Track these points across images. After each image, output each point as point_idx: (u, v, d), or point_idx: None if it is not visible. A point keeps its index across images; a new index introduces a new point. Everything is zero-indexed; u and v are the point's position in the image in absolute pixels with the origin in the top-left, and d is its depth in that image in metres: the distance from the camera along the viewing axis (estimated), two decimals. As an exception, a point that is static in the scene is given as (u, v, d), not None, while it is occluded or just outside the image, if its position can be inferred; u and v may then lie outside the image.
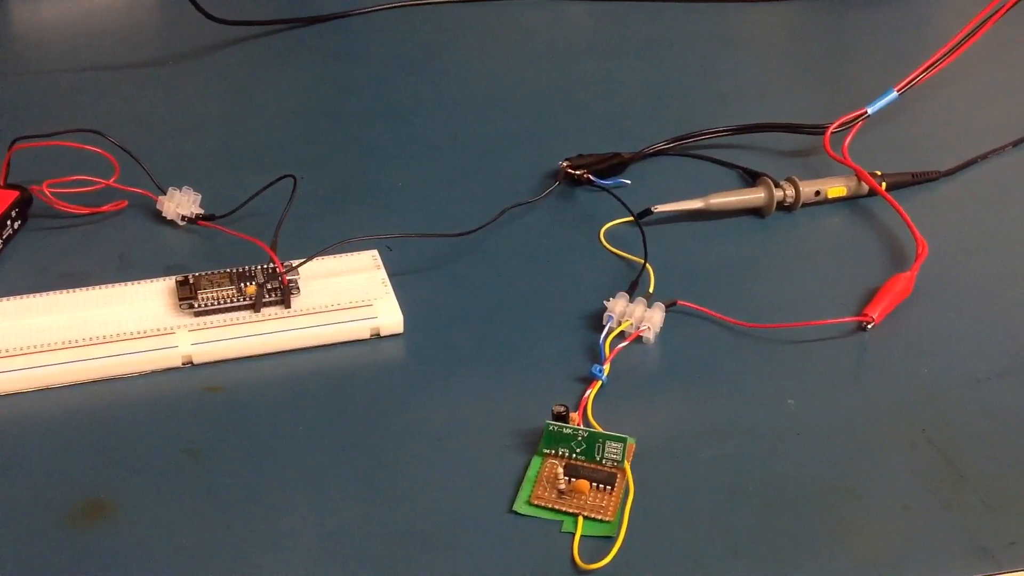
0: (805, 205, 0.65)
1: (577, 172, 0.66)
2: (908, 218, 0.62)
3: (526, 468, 0.48)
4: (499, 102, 0.76)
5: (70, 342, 0.52)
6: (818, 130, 0.70)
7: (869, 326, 0.56)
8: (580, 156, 0.68)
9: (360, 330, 0.55)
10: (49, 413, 0.50)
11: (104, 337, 0.52)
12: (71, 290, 0.55)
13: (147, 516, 0.46)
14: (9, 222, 0.60)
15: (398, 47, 0.83)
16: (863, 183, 0.66)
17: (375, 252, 0.59)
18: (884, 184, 0.66)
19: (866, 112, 0.68)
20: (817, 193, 0.65)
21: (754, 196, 0.64)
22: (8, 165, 0.61)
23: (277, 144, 0.71)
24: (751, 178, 0.67)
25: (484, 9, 0.88)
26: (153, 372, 0.52)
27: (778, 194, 0.64)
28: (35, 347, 0.52)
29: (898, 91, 0.69)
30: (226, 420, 0.50)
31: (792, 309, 0.58)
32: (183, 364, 0.53)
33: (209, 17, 0.79)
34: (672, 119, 0.74)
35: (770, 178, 0.65)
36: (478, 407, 0.52)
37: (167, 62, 0.79)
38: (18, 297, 0.55)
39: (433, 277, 0.60)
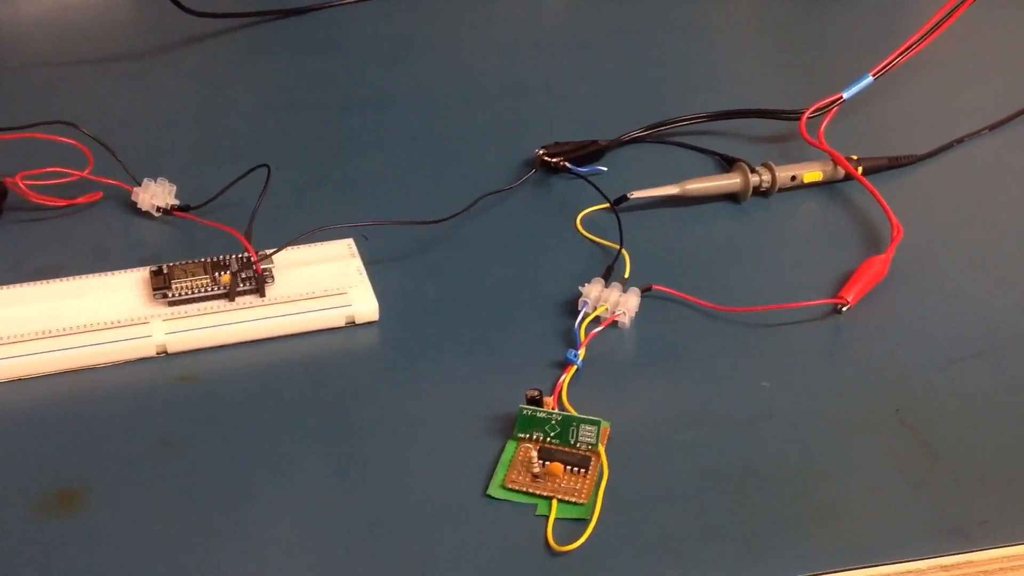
0: (781, 190, 0.65)
1: (553, 160, 0.66)
2: (884, 202, 0.62)
3: (500, 453, 0.48)
4: (475, 92, 0.76)
5: (44, 332, 0.52)
6: (794, 115, 0.70)
7: (844, 308, 0.56)
8: (556, 144, 0.68)
9: (335, 318, 0.55)
10: (22, 403, 0.50)
11: (78, 327, 0.52)
12: (45, 281, 0.55)
13: (119, 505, 0.46)
14: (-18, 215, 0.59)
15: (374, 39, 0.83)
16: (839, 167, 0.66)
17: (350, 241, 0.59)
18: (860, 168, 0.66)
19: (841, 97, 0.68)
20: (793, 178, 0.65)
21: (730, 181, 0.65)
22: (-19, 158, 0.61)
23: (253, 136, 0.70)
24: (727, 164, 0.67)
25: (459, 0, 0.88)
26: (127, 362, 0.52)
27: (754, 179, 0.64)
28: (8, 337, 0.52)
29: (873, 76, 0.69)
30: (200, 409, 0.50)
31: (768, 293, 0.58)
32: (157, 354, 0.53)
33: (184, 10, 0.78)
34: (648, 107, 0.74)
35: (746, 163, 0.65)
36: (453, 394, 0.52)
37: (142, 55, 0.78)
38: (-9, 289, 0.55)
39: (408, 265, 0.59)
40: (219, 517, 0.46)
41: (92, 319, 0.53)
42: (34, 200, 0.61)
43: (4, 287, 0.55)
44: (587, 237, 0.62)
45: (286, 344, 0.54)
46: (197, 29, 0.81)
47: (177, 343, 0.53)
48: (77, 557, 0.44)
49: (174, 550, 0.44)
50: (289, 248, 0.57)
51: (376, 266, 0.58)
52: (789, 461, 0.49)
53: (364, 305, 0.55)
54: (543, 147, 0.67)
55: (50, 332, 0.52)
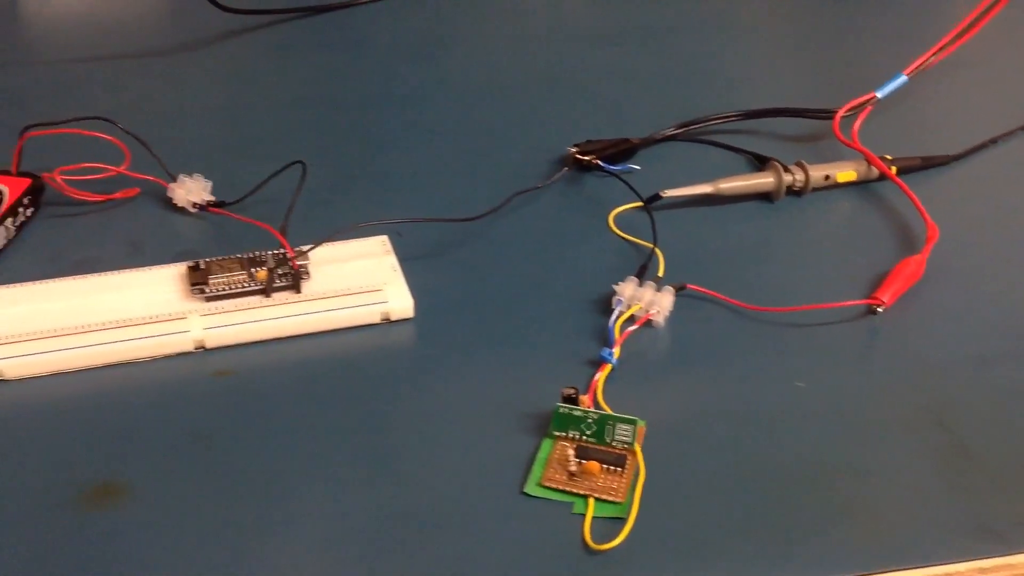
0: (814, 189, 0.65)
1: (586, 158, 0.66)
2: (918, 202, 0.62)
3: (536, 450, 0.49)
4: (505, 89, 0.76)
5: (83, 327, 0.52)
6: (826, 115, 0.70)
7: (880, 309, 0.56)
8: (588, 142, 0.68)
9: (370, 315, 0.55)
10: (62, 397, 0.50)
11: (117, 322, 0.53)
12: (83, 276, 0.56)
13: (158, 499, 0.46)
14: (22, 209, 0.60)
15: (403, 36, 0.83)
16: (873, 167, 0.66)
17: (385, 237, 0.59)
18: (894, 168, 0.66)
19: (875, 96, 0.68)
20: (827, 177, 0.65)
21: (763, 180, 0.64)
22: (20, 153, 0.61)
23: (285, 132, 0.71)
24: (760, 163, 0.67)
25: (488, -3, 0.89)
26: (165, 357, 0.53)
27: (787, 178, 0.64)
28: (48, 332, 0.52)
29: (907, 75, 0.69)
30: (237, 404, 0.51)
31: (802, 293, 0.58)
32: (195, 349, 0.53)
33: (218, 7, 0.79)
34: (679, 105, 0.74)
35: (779, 162, 0.65)
36: (487, 390, 0.52)
37: (175, 51, 0.79)
38: (31, 283, 0.55)
39: (442, 262, 0.60)
40: (256, 511, 0.46)
41: (130, 314, 0.53)
42: (71, 195, 0.61)
43: (43, 281, 0.55)
44: (619, 235, 0.62)
45: (321, 340, 0.54)
46: (229, 25, 0.81)
47: (215, 338, 0.53)
48: (119, 549, 0.44)
49: (212, 543, 0.44)
50: (324, 244, 0.57)
51: (410, 263, 0.58)
52: (824, 461, 0.49)
53: (400, 302, 0.55)
54: (575, 145, 0.67)
55: (89, 327, 0.52)
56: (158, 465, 0.47)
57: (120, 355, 0.52)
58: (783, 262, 0.61)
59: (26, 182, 0.61)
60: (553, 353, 0.54)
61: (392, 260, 0.58)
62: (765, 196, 0.65)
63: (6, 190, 0.60)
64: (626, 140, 0.69)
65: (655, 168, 0.67)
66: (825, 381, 0.53)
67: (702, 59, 0.81)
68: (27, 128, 0.62)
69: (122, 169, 0.61)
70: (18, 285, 0.55)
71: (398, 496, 0.47)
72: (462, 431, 0.50)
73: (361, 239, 0.59)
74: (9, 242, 0.59)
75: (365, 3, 0.85)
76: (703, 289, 0.57)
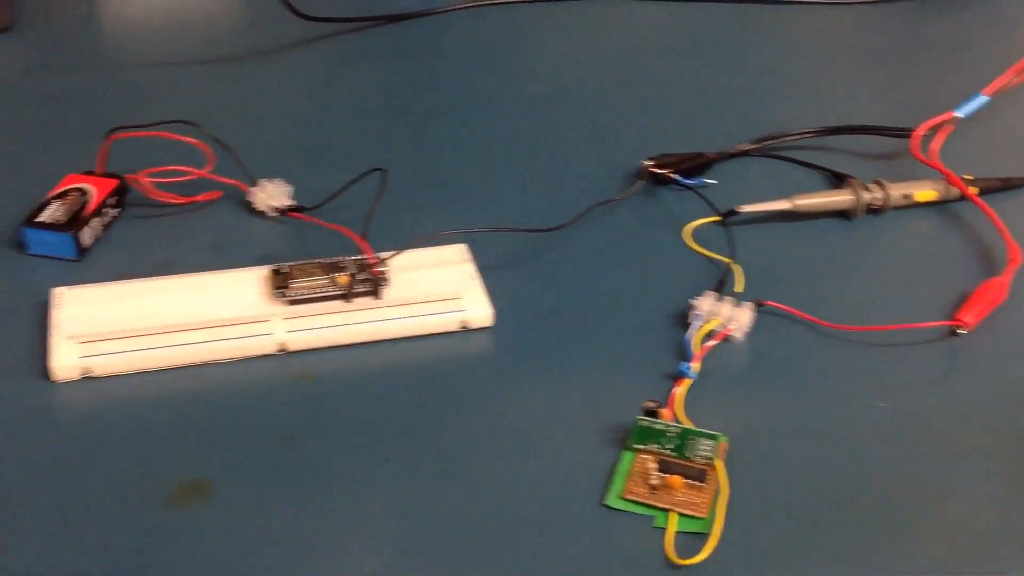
0: (893, 208, 0.65)
1: (661, 171, 0.67)
2: (1000, 223, 0.62)
3: (615, 463, 0.49)
4: (577, 100, 0.77)
5: (169, 327, 0.53)
6: (904, 133, 0.69)
7: (963, 331, 0.55)
8: (663, 155, 0.68)
9: (449, 322, 0.55)
10: (148, 396, 0.51)
11: (202, 323, 0.53)
12: (167, 276, 0.56)
13: (242, 499, 0.47)
14: (108, 209, 0.61)
15: (476, 45, 0.83)
16: (953, 187, 0.65)
17: (463, 246, 0.60)
18: (974, 189, 0.65)
19: (954, 116, 0.68)
20: (905, 196, 0.65)
21: (842, 198, 0.64)
22: (106, 154, 0.62)
23: (362, 138, 0.71)
24: (837, 180, 0.67)
25: (558, 9, 0.89)
26: (248, 358, 0.53)
27: (866, 196, 0.64)
28: (135, 331, 0.53)
29: (988, 95, 0.68)
30: (319, 408, 0.51)
31: (881, 312, 0.57)
32: (277, 351, 0.54)
33: (297, 14, 0.80)
34: (754, 119, 0.74)
35: (857, 180, 0.65)
36: (565, 401, 0.52)
37: (253, 56, 0.80)
38: (117, 282, 0.56)
39: (519, 272, 0.60)
40: (339, 513, 0.46)
41: (214, 315, 0.54)
42: (154, 197, 0.62)
43: (127, 281, 0.56)
44: (696, 249, 0.62)
45: (400, 346, 0.55)
46: (304, 33, 0.82)
47: (297, 341, 0.54)
48: (204, 548, 0.44)
49: (295, 544, 0.45)
50: (404, 252, 0.57)
51: (488, 271, 0.58)
52: (905, 480, 0.48)
53: (478, 310, 0.56)
54: (650, 158, 0.67)
55: (175, 327, 0.53)
56: (244, 465, 0.48)
57: (204, 356, 0.53)
58: (862, 281, 0.61)
59: (112, 183, 0.62)
60: (631, 365, 0.54)
61: (471, 268, 0.58)
62: (842, 214, 0.65)
63: (93, 190, 0.61)
64: (701, 154, 0.69)
65: (730, 183, 0.67)
66: (906, 402, 0.52)
67: (778, 73, 0.81)
68: (113, 130, 0.63)
69: (204, 172, 0.62)
70: (105, 284, 0.56)
71: (476, 504, 0.47)
72: (540, 441, 0.50)
73: (440, 247, 0.59)
74: (95, 241, 0.60)
75: (439, 13, 0.86)
76: (782, 305, 0.57)
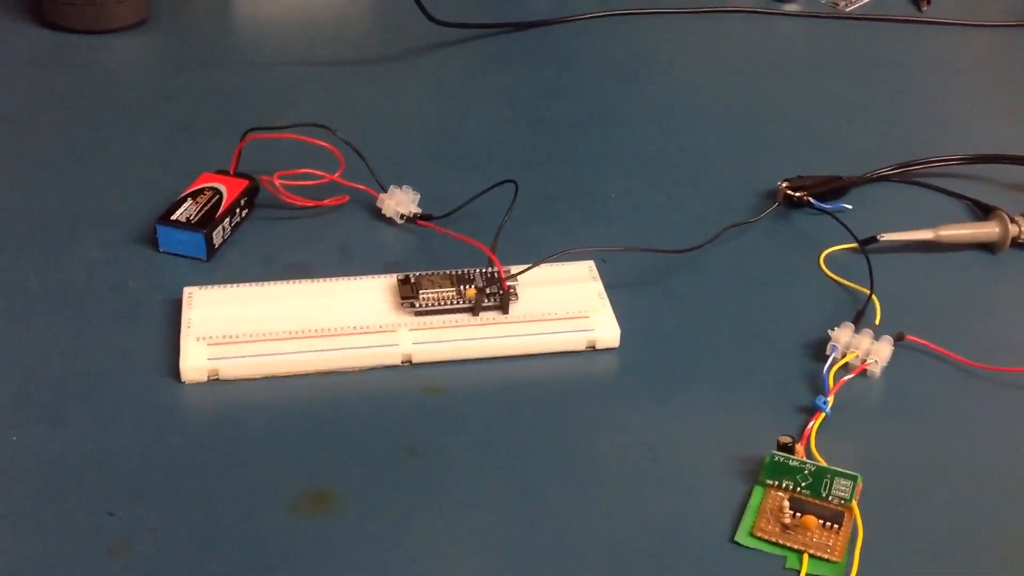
0: (1041, 243, 0.62)
1: (796, 194, 0.65)
2: None
3: (746, 497, 0.47)
4: (711, 115, 0.75)
5: (296, 333, 0.53)
6: (1056, 164, 0.66)
7: (1117, 378, 0.53)
8: (799, 177, 0.66)
9: (576, 341, 0.54)
10: (275, 401, 0.51)
11: (328, 330, 0.53)
12: (296, 280, 0.56)
13: (368, 509, 0.46)
14: (238, 210, 0.61)
15: (608, 55, 0.82)
16: (1106, 223, 0.62)
17: (591, 263, 0.58)
18: None
19: (1111, 148, 0.64)
20: (1055, 231, 0.62)
21: (988, 230, 0.62)
22: (239, 155, 0.63)
23: (489, 147, 0.71)
24: (981, 211, 0.64)
25: (693, 20, 0.87)
26: (373, 368, 0.53)
27: (1013, 229, 0.61)
28: (262, 335, 0.53)
29: None
30: (445, 421, 0.51)
31: (1028, 353, 0.55)
32: (402, 363, 0.53)
33: (430, 18, 0.79)
34: (894, 144, 0.71)
35: (1004, 212, 0.62)
36: (693, 428, 0.51)
37: (383, 60, 0.80)
38: (246, 284, 0.56)
39: (647, 292, 0.59)
40: (464, 529, 0.46)
41: (342, 323, 0.54)
42: (284, 199, 0.62)
43: (258, 284, 0.56)
44: (831, 277, 0.60)
45: (527, 363, 0.54)
46: (434, 38, 0.82)
47: (423, 354, 0.53)
48: (327, 556, 0.44)
49: (420, 557, 0.44)
50: (535, 267, 0.56)
51: (615, 290, 0.57)
52: (1055, 536, 0.46)
53: (606, 330, 0.55)
54: (785, 180, 0.65)
55: (303, 333, 0.53)
56: (369, 476, 0.48)
57: (331, 364, 0.52)
58: (1009, 318, 0.58)
59: (243, 183, 0.62)
60: (761, 395, 0.53)
61: (599, 287, 0.57)
62: (987, 246, 0.62)
63: (225, 190, 0.61)
64: (838, 178, 0.66)
65: (867, 208, 0.65)
66: (1055, 450, 0.50)
67: (921, 96, 0.78)
68: (249, 131, 0.63)
69: (335, 176, 0.62)
70: (234, 285, 0.56)
71: (597, 529, 0.46)
72: (667, 469, 0.49)
73: (568, 263, 0.58)
74: (224, 241, 0.60)
75: (571, 20, 0.85)
76: (923, 341, 0.54)
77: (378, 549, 0.45)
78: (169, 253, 0.59)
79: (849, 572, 0.44)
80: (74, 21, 0.79)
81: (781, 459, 0.47)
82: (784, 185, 0.65)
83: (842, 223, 0.62)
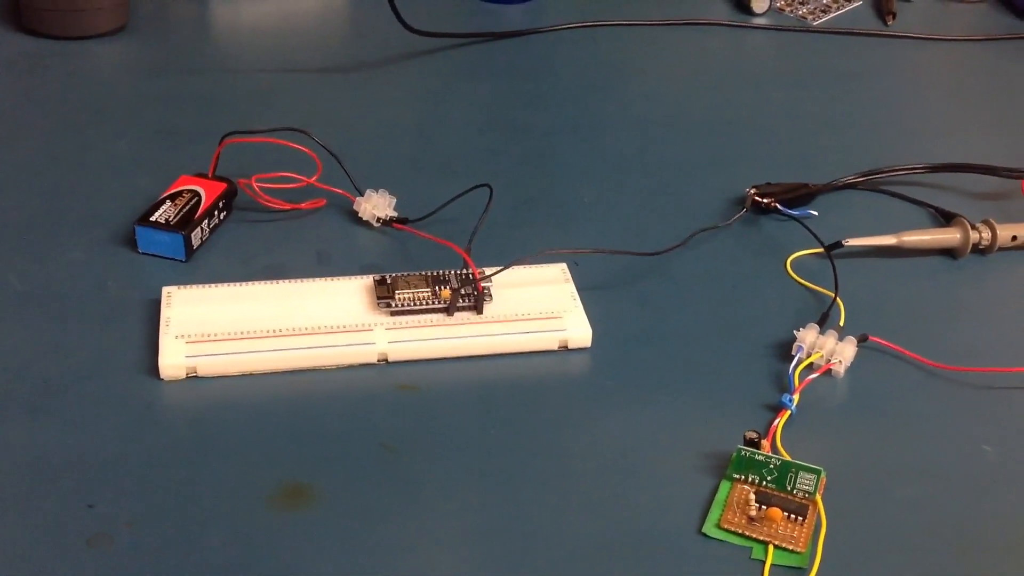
0: (1000, 249, 0.64)
1: (764, 200, 0.66)
2: (1114, 269, 0.60)
3: (713, 491, 0.48)
4: (682, 124, 0.77)
5: (273, 331, 0.54)
6: (1016, 174, 0.68)
7: (1072, 377, 0.54)
8: (768, 184, 0.67)
9: (549, 341, 0.56)
10: (253, 398, 0.52)
11: (305, 329, 0.54)
12: (274, 281, 0.57)
13: (344, 504, 0.47)
14: (216, 212, 0.62)
15: (582, 65, 0.84)
16: (1064, 230, 0.64)
17: (564, 265, 0.60)
18: (1086, 233, 0.64)
19: (1069, 158, 0.66)
20: (1014, 238, 0.64)
21: (949, 236, 0.63)
22: (218, 158, 0.64)
23: (465, 153, 0.72)
24: (943, 218, 0.66)
25: (666, 32, 0.89)
26: (350, 366, 0.54)
27: (974, 236, 0.63)
28: (240, 334, 0.54)
29: (1104, 138, 0.67)
30: (419, 419, 0.52)
31: (987, 354, 0.56)
32: (378, 361, 0.54)
33: (407, 28, 0.80)
34: (860, 153, 0.73)
35: (965, 219, 0.64)
36: (663, 426, 0.52)
37: (361, 68, 0.81)
38: (225, 284, 0.57)
39: (619, 294, 0.60)
40: (438, 524, 0.47)
41: (319, 322, 0.55)
42: (262, 202, 0.63)
43: (236, 284, 0.57)
44: (797, 281, 0.61)
45: (500, 362, 0.55)
46: (412, 46, 0.83)
47: (398, 352, 0.54)
48: (302, 551, 0.45)
49: (394, 552, 0.45)
50: (507, 269, 0.58)
51: (588, 292, 0.58)
52: (1012, 527, 0.47)
53: (578, 330, 0.56)
54: (754, 187, 0.67)
55: (280, 331, 0.54)
56: (344, 471, 0.49)
57: (308, 361, 0.53)
58: (969, 321, 0.60)
59: (221, 186, 0.63)
60: (728, 394, 0.54)
61: (571, 288, 0.58)
62: (948, 252, 0.64)
63: (204, 192, 0.62)
64: (805, 185, 0.68)
65: (833, 215, 0.67)
66: (1014, 446, 0.51)
67: (885, 107, 0.80)
68: (227, 135, 0.64)
69: (313, 180, 0.63)
70: (212, 286, 0.57)
71: (570, 524, 0.47)
72: (637, 464, 0.50)
73: (541, 265, 0.59)
74: (203, 243, 0.61)
75: (547, 31, 0.86)
76: (886, 342, 0.56)
77: (354, 543, 0.46)
78: (148, 254, 0.60)
79: (812, 562, 0.45)
80: (54, 27, 0.80)
81: (748, 454, 0.49)
82: (752, 192, 0.66)
83: (808, 229, 0.64)
